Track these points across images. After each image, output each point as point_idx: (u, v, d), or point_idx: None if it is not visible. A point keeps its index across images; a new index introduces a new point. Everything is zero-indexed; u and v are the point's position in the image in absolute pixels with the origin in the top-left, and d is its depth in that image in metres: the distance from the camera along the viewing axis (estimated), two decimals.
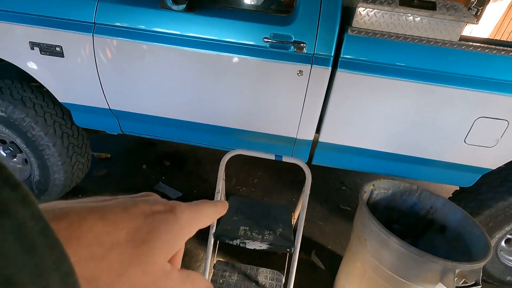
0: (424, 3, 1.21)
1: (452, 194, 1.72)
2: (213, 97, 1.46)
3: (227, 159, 1.32)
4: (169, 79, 1.43)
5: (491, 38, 4.17)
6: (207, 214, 0.23)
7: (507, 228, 1.50)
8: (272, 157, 1.26)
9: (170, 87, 1.46)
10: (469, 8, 4.52)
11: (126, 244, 0.18)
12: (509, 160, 1.41)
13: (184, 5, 1.23)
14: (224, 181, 1.37)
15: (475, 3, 4.47)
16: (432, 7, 1.20)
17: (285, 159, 1.26)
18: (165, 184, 2.19)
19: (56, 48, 1.40)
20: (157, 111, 1.54)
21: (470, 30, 4.77)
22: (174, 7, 1.24)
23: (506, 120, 1.30)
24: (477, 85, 1.26)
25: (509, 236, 1.58)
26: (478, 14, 4.51)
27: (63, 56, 1.41)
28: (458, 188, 1.69)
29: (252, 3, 1.84)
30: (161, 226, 0.19)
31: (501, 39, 4.71)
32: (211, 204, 0.24)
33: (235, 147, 1.63)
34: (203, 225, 0.23)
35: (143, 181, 2.21)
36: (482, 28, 4.77)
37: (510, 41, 2.22)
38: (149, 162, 2.46)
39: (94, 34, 1.35)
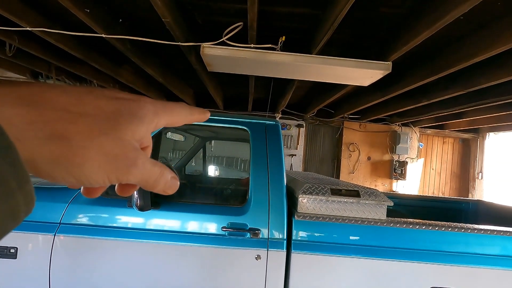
0: (350, 191, 1.51)
1: None
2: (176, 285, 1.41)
3: None
4: (130, 275, 1.40)
5: (422, 195, 4.91)
6: (178, 113, 0.24)
7: None
8: None
9: (132, 283, 1.40)
10: (394, 169, 5.56)
11: (94, 116, 0.19)
12: None
13: (150, 209, 1.39)
14: None
15: (397, 165, 5.56)
16: (356, 194, 1.50)
17: None
18: None
19: (11, 250, 1.37)
20: None
21: (403, 184, 5.66)
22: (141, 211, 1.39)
23: None
24: (413, 257, 1.41)
25: None
26: (403, 173, 5.52)
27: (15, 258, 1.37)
28: None
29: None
30: (123, 108, 0.21)
31: (428, 192, 5.55)
32: (186, 107, 0.25)
33: None
34: (173, 122, 0.24)
35: None
36: (411, 182, 5.71)
37: (441, 197, 2.65)
38: None
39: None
